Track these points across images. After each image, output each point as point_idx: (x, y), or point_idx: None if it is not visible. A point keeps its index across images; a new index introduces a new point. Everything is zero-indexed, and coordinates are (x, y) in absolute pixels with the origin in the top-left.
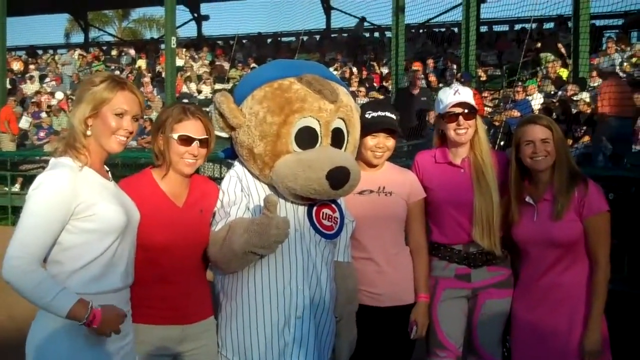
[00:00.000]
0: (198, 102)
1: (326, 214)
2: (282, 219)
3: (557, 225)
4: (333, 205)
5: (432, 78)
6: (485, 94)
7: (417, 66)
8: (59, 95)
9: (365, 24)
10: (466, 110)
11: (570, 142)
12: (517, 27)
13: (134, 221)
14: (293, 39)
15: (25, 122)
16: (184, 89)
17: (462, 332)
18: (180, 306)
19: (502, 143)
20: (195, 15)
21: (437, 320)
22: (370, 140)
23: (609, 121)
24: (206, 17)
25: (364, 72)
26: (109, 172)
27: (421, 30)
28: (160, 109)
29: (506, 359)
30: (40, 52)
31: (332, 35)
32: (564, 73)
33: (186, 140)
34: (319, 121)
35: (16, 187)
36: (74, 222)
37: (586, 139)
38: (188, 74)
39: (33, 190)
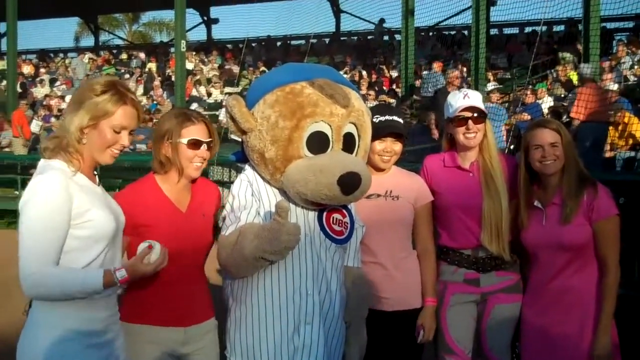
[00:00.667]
0: (207, 106)
1: (336, 219)
2: (294, 225)
3: (566, 229)
4: (343, 210)
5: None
6: (495, 97)
7: (437, 67)
8: (69, 98)
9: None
10: (475, 115)
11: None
12: (528, 29)
13: (122, 226)
14: (303, 42)
15: (35, 126)
16: (194, 92)
17: (471, 337)
18: (184, 308)
19: (511, 147)
20: (205, 18)
21: (446, 325)
22: (378, 145)
23: (585, 126)
24: (216, 21)
25: (374, 76)
26: (97, 177)
27: (431, 33)
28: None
29: None
30: (50, 55)
31: (342, 39)
32: (574, 76)
33: (195, 144)
34: (330, 126)
35: None
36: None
37: None
38: (198, 77)
39: (30, 199)
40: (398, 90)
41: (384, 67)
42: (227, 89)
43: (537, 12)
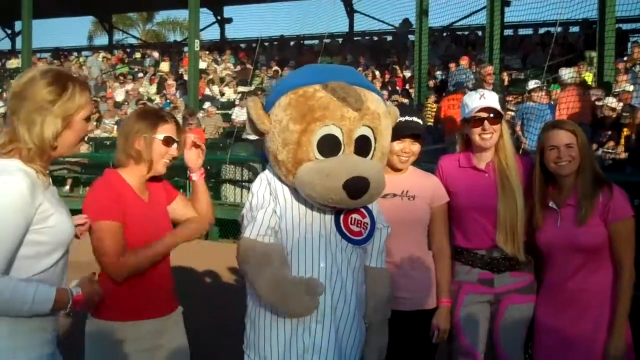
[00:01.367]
0: (220, 105)
1: (355, 219)
2: (312, 304)
3: (581, 231)
4: (363, 211)
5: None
6: (509, 97)
7: (464, 61)
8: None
9: (388, 27)
10: (491, 115)
11: (595, 147)
12: (542, 30)
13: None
14: (316, 42)
15: None
16: (207, 92)
17: (484, 338)
18: (159, 298)
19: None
20: (219, 18)
21: (460, 325)
22: (396, 145)
23: None
24: (229, 20)
25: (387, 76)
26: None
27: (444, 34)
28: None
29: None
30: (65, 54)
31: (355, 39)
32: (589, 77)
33: (169, 142)
34: (341, 129)
35: None
36: (27, 234)
37: (611, 144)
38: (211, 76)
39: None
40: (411, 90)
41: (397, 67)
42: (240, 89)
43: (552, 13)
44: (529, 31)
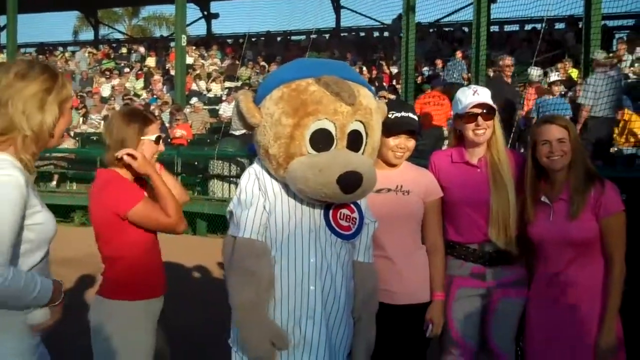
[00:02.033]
0: (207, 100)
1: (344, 214)
2: (263, 353)
3: (573, 225)
4: (352, 206)
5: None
6: (558, 89)
7: (459, 54)
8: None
9: (374, 23)
10: (485, 111)
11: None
12: (528, 27)
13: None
14: (303, 37)
15: None
16: (194, 87)
17: (476, 331)
18: (162, 278)
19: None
20: (205, 13)
21: (452, 318)
22: (392, 141)
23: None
24: (216, 15)
25: (374, 72)
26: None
27: (431, 30)
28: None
29: (520, 359)
30: (50, 49)
31: (342, 34)
32: (574, 73)
33: (157, 141)
34: (334, 124)
35: None
36: None
37: None
38: (198, 72)
39: None
40: (398, 86)
41: (384, 63)
42: (227, 84)
43: (538, 9)
44: (515, 27)
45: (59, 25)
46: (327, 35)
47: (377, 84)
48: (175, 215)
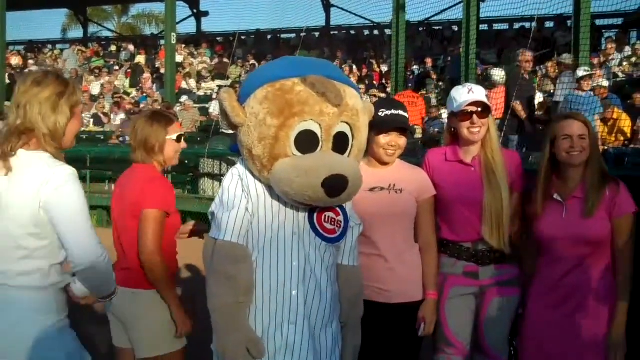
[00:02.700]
0: (197, 99)
1: (329, 217)
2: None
3: (589, 223)
4: (337, 209)
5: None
6: (586, 84)
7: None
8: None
9: (364, 21)
10: (480, 109)
11: None
12: (517, 25)
13: None
14: (293, 36)
15: None
16: (183, 85)
17: (469, 330)
18: (174, 270)
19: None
20: (195, 11)
21: (445, 317)
22: (382, 139)
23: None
24: (206, 14)
25: (364, 70)
26: None
27: (421, 29)
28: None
29: (513, 358)
30: (39, 47)
31: (332, 33)
32: None
33: (179, 139)
34: (320, 125)
35: None
36: None
37: None
38: (187, 70)
39: (67, 184)
40: (388, 85)
41: (374, 61)
42: (217, 82)
43: (527, 8)
44: (505, 26)
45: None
46: (317, 34)
47: (367, 83)
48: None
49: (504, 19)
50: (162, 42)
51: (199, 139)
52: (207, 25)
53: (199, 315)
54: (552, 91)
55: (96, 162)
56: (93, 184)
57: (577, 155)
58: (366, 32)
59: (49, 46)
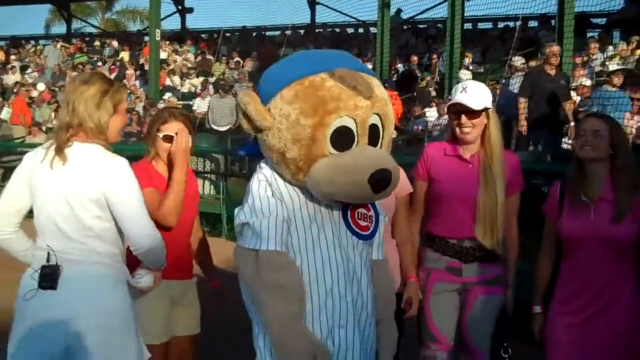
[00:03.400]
0: (181, 95)
1: (362, 213)
2: None
3: (617, 226)
4: (368, 204)
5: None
6: (618, 79)
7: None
8: (41, 86)
9: (349, 19)
10: (467, 110)
11: None
12: (501, 24)
13: None
14: (278, 33)
15: (6, 113)
16: (168, 82)
17: (454, 326)
18: (183, 265)
19: None
20: (180, 7)
21: (430, 312)
22: None
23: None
24: (190, 10)
25: None
26: None
27: (405, 27)
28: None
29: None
30: (22, 42)
31: (317, 30)
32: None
33: (168, 139)
34: (355, 120)
35: None
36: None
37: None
38: (172, 67)
39: (125, 174)
40: None
41: (359, 59)
42: (201, 79)
43: (512, 7)
44: (489, 25)
45: (31, 19)
46: (302, 31)
47: None
48: (165, 210)
49: (488, 17)
50: (147, 38)
51: None
52: (192, 22)
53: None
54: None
55: None
56: None
57: (588, 150)
58: (351, 30)
59: (32, 42)
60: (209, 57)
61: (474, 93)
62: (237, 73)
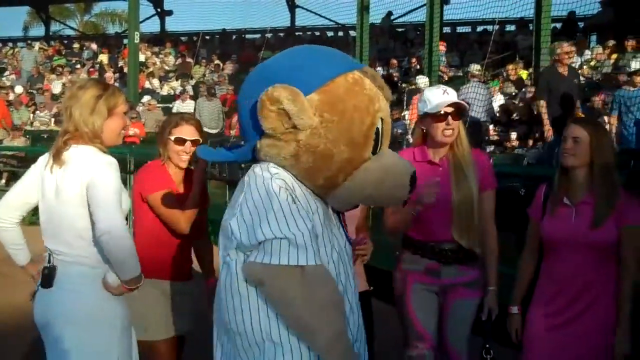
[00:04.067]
0: (161, 98)
1: (344, 219)
2: None
3: (600, 229)
4: None
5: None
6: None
7: (442, 47)
8: (19, 89)
9: (329, 22)
10: (454, 111)
11: (530, 142)
12: (479, 28)
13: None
14: (258, 36)
15: None
16: (147, 85)
17: (435, 324)
18: (183, 267)
19: None
20: (159, 10)
21: (412, 310)
22: None
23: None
24: (170, 13)
25: None
26: None
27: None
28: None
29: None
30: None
31: (297, 33)
32: (524, 74)
33: (180, 141)
34: (382, 121)
35: None
36: None
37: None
38: (151, 69)
39: (107, 169)
40: None
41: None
42: (180, 82)
43: (490, 11)
44: (467, 29)
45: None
46: (282, 34)
47: None
48: (185, 215)
49: (466, 21)
50: (126, 41)
51: None
52: (171, 25)
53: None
54: (513, 93)
55: None
56: None
57: (568, 157)
58: (331, 33)
59: (10, 44)
60: (189, 59)
61: (454, 94)
62: (217, 76)
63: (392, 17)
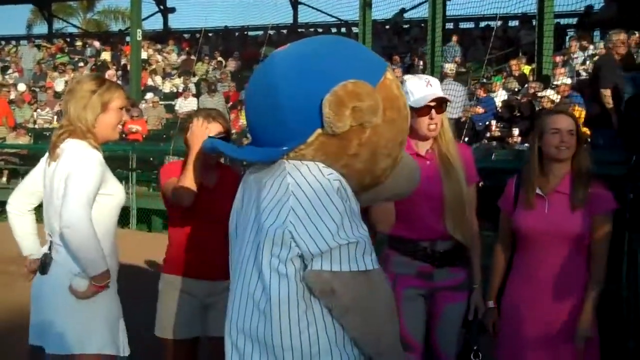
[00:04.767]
0: (163, 96)
1: None
2: None
3: (571, 218)
4: None
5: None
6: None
7: (455, 40)
8: (22, 87)
9: (332, 19)
10: (437, 104)
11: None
12: (482, 24)
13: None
14: (260, 33)
15: None
16: (149, 82)
17: (423, 330)
18: (212, 266)
19: (466, 139)
20: (161, 7)
21: (403, 322)
22: None
23: None
24: (172, 10)
25: None
26: None
27: (386, 27)
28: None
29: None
30: (2, 43)
31: (299, 30)
32: (527, 70)
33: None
34: None
35: None
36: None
37: None
38: (153, 66)
39: (86, 162)
40: None
41: None
42: (183, 79)
43: (492, 7)
44: (470, 25)
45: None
46: (284, 31)
47: None
48: (178, 185)
49: (469, 17)
50: (128, 38)
51: (164, 136)
52: (174, 22)
53: None
54: (516, 89)
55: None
56: None
57: (565, 150)
58: (333, 30)
59: (13, 42)
60: (191, 57)
61: (437, 85)
62: (219, 73)
63: (394, 14)
